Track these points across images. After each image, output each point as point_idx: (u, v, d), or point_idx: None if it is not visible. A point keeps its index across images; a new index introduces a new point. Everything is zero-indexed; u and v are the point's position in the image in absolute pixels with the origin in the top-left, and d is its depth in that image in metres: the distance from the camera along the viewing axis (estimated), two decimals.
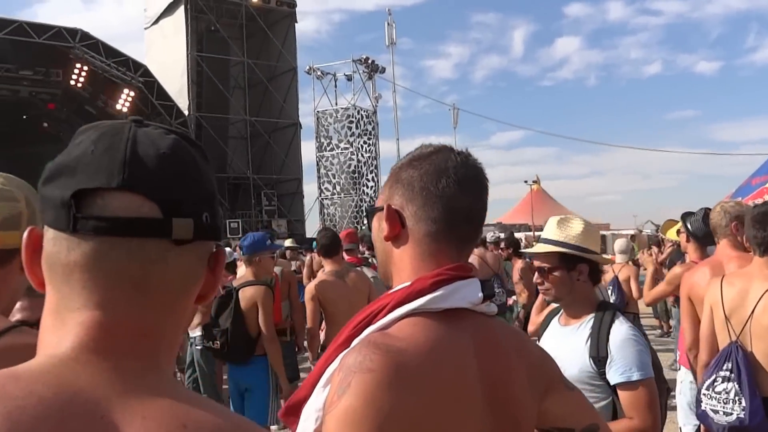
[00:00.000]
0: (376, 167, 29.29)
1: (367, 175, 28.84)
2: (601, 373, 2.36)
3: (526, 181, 37.92)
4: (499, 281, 7.81)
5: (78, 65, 22.89)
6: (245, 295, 4.94)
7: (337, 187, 28.71)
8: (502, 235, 9.80)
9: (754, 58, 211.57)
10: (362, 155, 28.73)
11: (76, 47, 22.08)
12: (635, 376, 2.29)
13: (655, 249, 10.89)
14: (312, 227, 28.19)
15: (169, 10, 26.80)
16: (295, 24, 28.40)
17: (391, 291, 1.24)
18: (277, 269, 6.30)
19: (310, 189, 30.01)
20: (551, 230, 2.55)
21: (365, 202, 28.55)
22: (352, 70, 29.23)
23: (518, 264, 8.13)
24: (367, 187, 28.76)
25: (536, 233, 21.73)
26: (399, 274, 1.26)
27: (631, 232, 24.66)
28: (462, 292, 1.21)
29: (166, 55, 26.22)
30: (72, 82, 23.42)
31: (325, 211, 28.86)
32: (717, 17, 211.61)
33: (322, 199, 28.92)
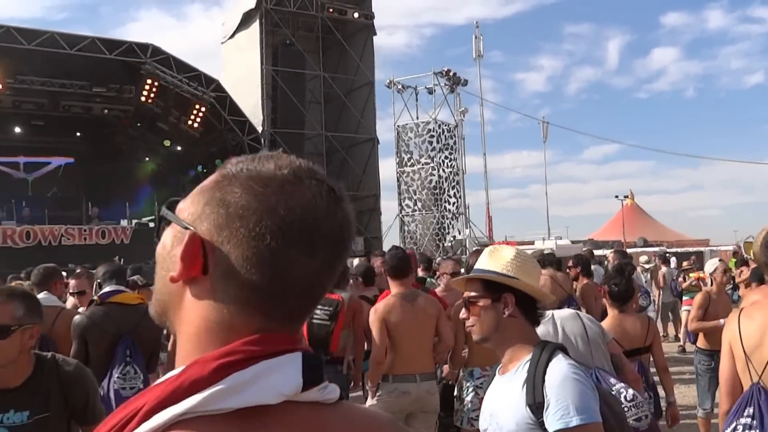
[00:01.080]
0: (458, 183, 28.08)
1: (448, 191, 27.73)
2: (540, 423, 2.10)
3: (617, 196, 36.43)
4: (574, 303, 7.27)
5: (149, 81, 22.32)
6: None
7: (418, 204, 27.57)
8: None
9: None
10: (443, 170, 27.53)
11: (147, 62, 21.58)
12: (574, 422, 2.03)
13: (744, 269, 9.70)
14: (390, 245, 26.98)
15: (244, 24, 26.25)
16: (374, 37, 27.55)
17: (155, 384, 0.85)
18: (344, 294, 5.77)
19: (389, 206, 29.03)
20: (482, 260, 2.36)
21: (447, 219, 27.27)
22: (433, 83, 28.05)
23: (582, 284, 7.92)
24: (449, 203, 27.71)
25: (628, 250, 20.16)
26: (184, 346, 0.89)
27: (731, 248, 23.34)
28: (269, 378, 0.81)
29: (241, 70, 25.66)
30: (143, 98, 22.89)
31: (406, 228, 27.84)
32: None
33: (403, 216, 27.86)
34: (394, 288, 4.92)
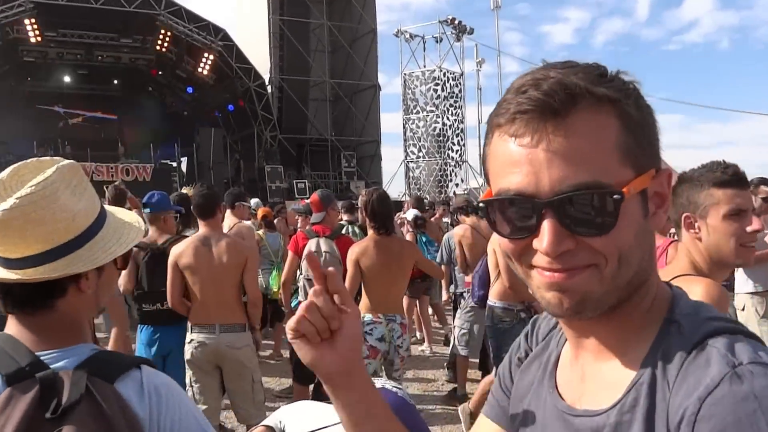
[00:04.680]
0: (462, 131, 28.85)
1: (452, 138, 28.47)
2: None
3: None
4: None
5: (162, 31, 24.68)
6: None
7: (422, 151, 28.59)
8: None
9: None
10: (448, 118, 28.35)
11: (162, 14, 23.86)
12: None
13: None
14: (396, 190, 28.36)
15: None
16: None
17: None
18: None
19: (397, 152, 30.14)
20: None
21: (450, 165, 28.27)
22: (440, 31, 28.86)
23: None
24: (452, 151, 28.35)
25: None
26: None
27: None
28: None
29: (249, 20, 27.38)
30: (158, 47, 25.30)
31: (411, 174, 28.85)
32: None
33: (408, 162, 28.95)
34: (201, 228, 4.84)
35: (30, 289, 1.31)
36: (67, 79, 27.82)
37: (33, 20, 23.62)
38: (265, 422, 2.18)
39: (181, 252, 4.67)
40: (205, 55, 24.98)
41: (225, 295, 4.65)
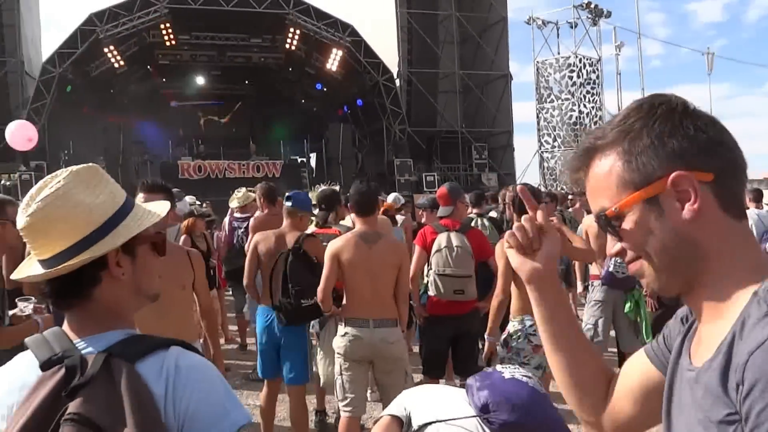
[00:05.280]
0: (600, 119, 27.40)
1: (590, 126, 27.08)
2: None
3: None
4: None
5: (292, 30, 24.73)
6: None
7: (558, 140, 27.38)
8: None
9: None
10: (584, 106, 27.02)
11: (290, 13, 23.90)
12: None
13: None
14: (530, 182, 27.27)
15: None
16: None
17: None
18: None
19: (530, 142, 29.12)
20: None
21: None
22: (574, 16, 27.47)
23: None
24: None
25: None
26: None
27: None
28: None
29: (377, 14, 27.12)
30: (287, 46, 25.39)
31: (545, 164, 27.76)
32: None
33: (542, 152, 27.84)
34: (358, 224, 4.79)
35: (62, 282, 1.38)
36: (200, 80, 28.50)
37: (168, 24, 24.27)
38: (390, 411, 2.21)
39: (341, 247, 4.65)
40: (334, 51, 24.86)
41: (381, 291, 4.66)
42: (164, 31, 24.54)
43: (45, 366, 1.29)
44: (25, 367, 1.36)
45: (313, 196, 10.72)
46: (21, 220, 1.38)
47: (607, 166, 1.10)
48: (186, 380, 1.34)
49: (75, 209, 1.37)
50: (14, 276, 1.48)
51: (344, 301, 4.73)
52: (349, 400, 4.62)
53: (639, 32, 29.18)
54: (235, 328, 9.16)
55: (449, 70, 26.94)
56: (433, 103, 26.52)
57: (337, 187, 13.07)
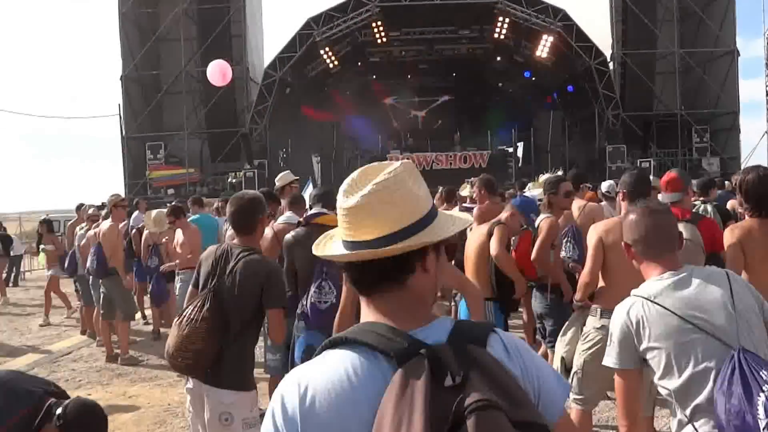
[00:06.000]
0: None
1: None
2: None
3: None
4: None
5: (501, 18, 24.64)
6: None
7: None
8: None
9: None
10: None
11: (500, 2, 23.86)
12: None
13: None
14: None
15: None
16: None
17: None
18: None
19: (757, 124, 26.74)
20: None
21: None
22: None
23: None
24: None
25: None
26: None
27: None
28: None
29: None
30: (496, 35, 25.31)
31: None
32: None
33: None
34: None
35: (387, 265, 1.38)
36: (409, 74, 29.18)
37: (379, 23, 25.07)
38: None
39: (609, 229, 4.31)
40: (544, 37, 24.49)
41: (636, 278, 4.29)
42: (375, 30, 25.42)
43: (403, 358, 1.26)
44: (348, 365, 1.31)
45: (536, 186, 10.60)
46: (351, 201, 1.39)
47: None
48: (528, 358, 1.39)
49: (407, 197, 1.39)
50: (318, 253, 1.50)
51: (600, 289, 4.40)
52: (587, 395, 4.37)
53: None
54: None
55: (667, 50, 25.52)
56: (649, 85, 25.27)
57: (560, 172, 12.83)
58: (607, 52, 25.04)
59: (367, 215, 1.38)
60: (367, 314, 1.42)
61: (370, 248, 1.37)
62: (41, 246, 12.24)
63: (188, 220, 8.78)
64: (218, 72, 14.81)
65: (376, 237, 1.37)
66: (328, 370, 1.30)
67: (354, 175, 1.46)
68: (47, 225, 12.94)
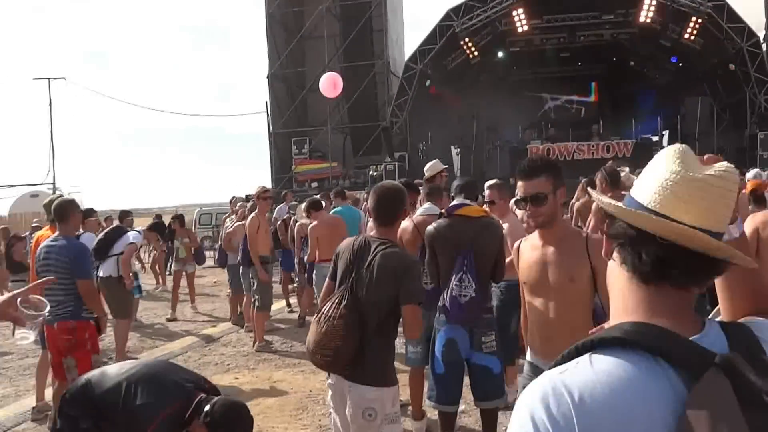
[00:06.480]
0: None
1: None
2: None
3: None
4: None
5: (647, 1, 23.87)
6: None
7: None
8: None
9: None
10: None
11: None
12: None
13: None
14: None
15: None
16: None
17: None
18: None
19: None
20: None
21: None
22: None
23: None
24: None
25: None
26: None
27: None
28: None
29: None
30: (642, 19, 24.52)
31: None
32: None
33: None
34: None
35: (708, 262, 1.19)
36: (550, 63, 28.83)
37: (520, 11, 24.99)
38: None
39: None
40: (693, 19, 23.53)
41: None
42: (516, 18, 25.30)
43: (699, 370, 1.08)
44: (631, 373, 1.11)
45: None
46: (707, 176, 1.19)
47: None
48: None
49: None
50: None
51: None
52: None
53: None
54: None
55: None
56: None
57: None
58: (761, 33, 23.70)
59: (720, 198, 1.19)
60: (640, 313, 1.22)
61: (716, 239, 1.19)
62: (175, 240, 12.83)
63: (331, 212, 9.16)
64: (330, 84, 15.58)
65: (717, 230, 1.20)
66: (607, 379, 1.10)
67: (674, 150, 1.24)
68: (179, 220, 13.09)
